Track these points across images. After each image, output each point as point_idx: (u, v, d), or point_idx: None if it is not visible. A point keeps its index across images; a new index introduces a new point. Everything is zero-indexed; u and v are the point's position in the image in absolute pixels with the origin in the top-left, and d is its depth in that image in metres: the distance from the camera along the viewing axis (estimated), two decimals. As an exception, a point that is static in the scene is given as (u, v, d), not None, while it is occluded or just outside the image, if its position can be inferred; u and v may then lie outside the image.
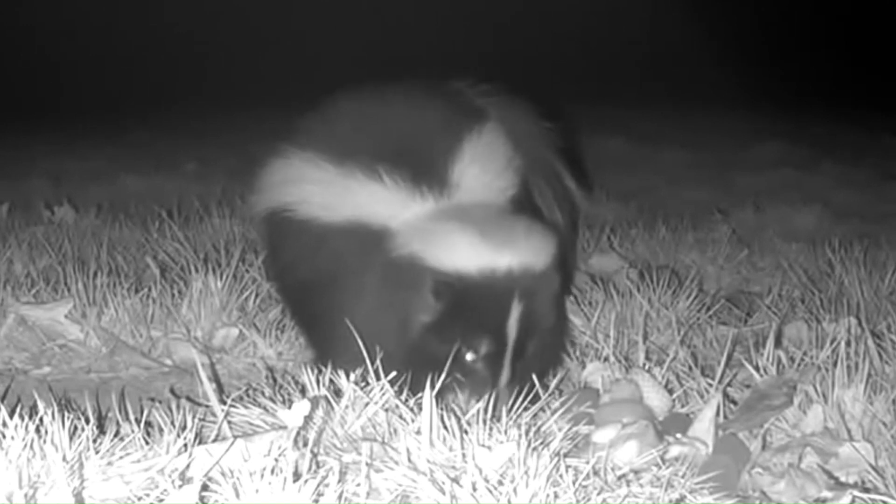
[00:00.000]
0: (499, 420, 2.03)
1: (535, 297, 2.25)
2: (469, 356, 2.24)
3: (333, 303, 2.44)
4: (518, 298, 2.21)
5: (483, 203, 2.39)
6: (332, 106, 2.66)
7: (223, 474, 1.74)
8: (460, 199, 2.38)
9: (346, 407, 2.01)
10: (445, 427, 1.87)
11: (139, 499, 1.73)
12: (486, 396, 2.10)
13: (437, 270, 2.23)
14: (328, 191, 2.46)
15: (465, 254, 2.22)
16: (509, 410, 2.13)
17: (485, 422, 1.92)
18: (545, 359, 2.46)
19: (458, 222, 2.28)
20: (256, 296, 3.10)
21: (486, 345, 2.23)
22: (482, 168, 2.46)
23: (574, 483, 1.77)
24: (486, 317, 2.23)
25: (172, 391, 2.53)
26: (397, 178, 2.38)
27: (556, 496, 1.72)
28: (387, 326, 2.28)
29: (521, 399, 2.16)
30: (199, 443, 1.87)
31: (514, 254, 2.23)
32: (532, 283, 2.24)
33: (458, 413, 1.96)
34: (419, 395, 1.96)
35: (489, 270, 2.21)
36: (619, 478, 1.91)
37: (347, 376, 2.06)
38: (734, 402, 2.34)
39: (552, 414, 2.13)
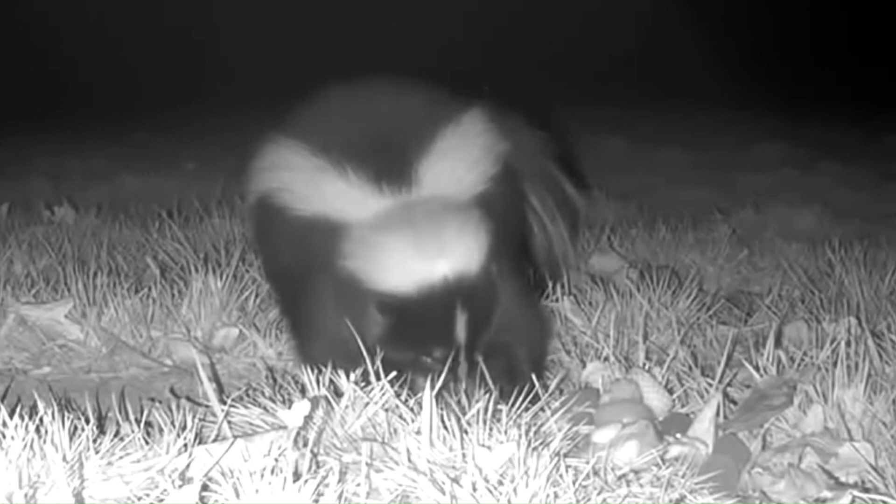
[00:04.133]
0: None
1: (477, 298, 2.25)
2: (426, 360, 2.27)
3: (308, 295, 2.47)
4: (460, 305, 2.22)
5: (432, 199, 2.35)
6: (322, 97, 2.67)
7: (223, 474, 1.74)
8: (415, 196, 2.35)
9: (346, 407, 2.01)
10: (445, 427, 1.87)
11: (139, 499, 1.73)
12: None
13: (376, 291, 2.25)
14: (304, 181, 2.48)
15: (399, 272, 2.23)
16: (511, 406, 2.14)
17: (485, 422, 1.92)
18: (526, 346, 2.47)
19: (392, 233, 2.26)
20: (256, 296, 3.10)
21: (439, 351, 2.26)
22: (451, 163, 2.44)
23: (574, 483, 1.77)
24: (431, 327, 2.25)
25: (172, 391, 2.52)
26: (362, 173, 2.38)
27: (556, 496, 1.72)
28: (347, 331, 2.28)
29: (521, 398, 2.16)
30: (199, 443, 1.87)
31: (447, 261, 2.22)
32: (470, 286, 2.23)
33: (458, 413, 1.96)
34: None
35: (426, 285, 2.21)
36: (619, 478, 1.91)
37: (347, 376, 2.07)
38: (734, 402, 2.34)
39: (552, 414, 2.12)
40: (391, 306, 2.24)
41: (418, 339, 2.27)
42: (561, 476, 1.76)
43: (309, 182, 2.46)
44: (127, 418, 2.00)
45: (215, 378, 2.60)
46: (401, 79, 2.67)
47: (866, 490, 1.93)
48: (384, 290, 2.24)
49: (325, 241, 2.39)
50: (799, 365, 2.43)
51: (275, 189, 2.54)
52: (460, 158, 2.47)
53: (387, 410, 2.01)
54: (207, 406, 2.09)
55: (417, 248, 2.23)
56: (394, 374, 2.08)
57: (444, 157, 2.44)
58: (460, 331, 2.24)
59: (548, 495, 1.70)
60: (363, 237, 2.30)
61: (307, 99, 2.67)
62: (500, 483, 1.71)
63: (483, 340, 2.29)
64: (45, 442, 1.74)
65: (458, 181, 2.44)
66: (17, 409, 1.81)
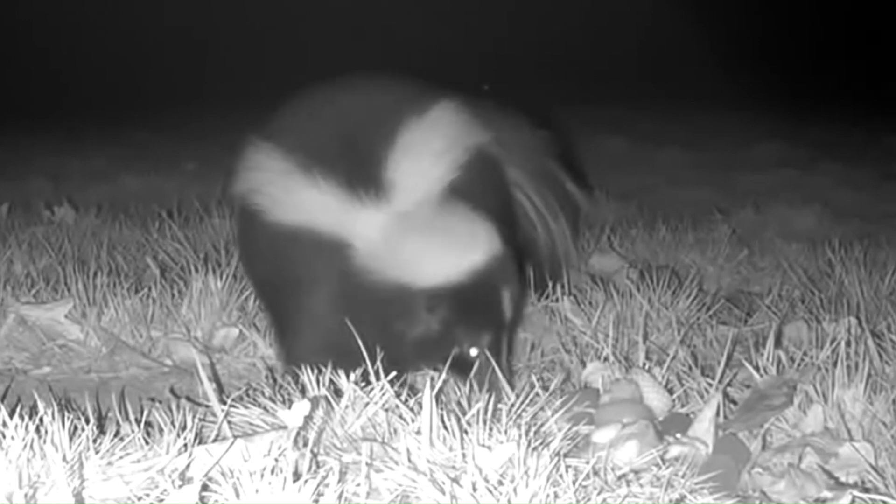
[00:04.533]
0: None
1: (512, 277, 2.36)
2: (473, 352, 2.32)
3: (292, 301, 2.49)
4: (503, 283, 2.32)
5: (424, 203, 2.40)
6: (298, 97, 2.68)
7: (223, 474, 1.74)
8: (401, 203, 2.38)
9: (346, 407, 2.01)
10: (445, 427, 1.87)
11: (139, 499, 1.73)
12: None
13: (427, 289, 2.28)
14: (278, 185, 2.49)
15: (447, 262, 2.29)
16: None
17: (485, 422, 1.92)
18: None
19: (421, 235, 2.32)
20: (254, 294, 3.10)
21: (489, 336, 2.32)
22: (416, 159, 2.45)
23: (574, 483, 1.77)
24: (485, 311, 2.32)
25: (172, 391, 2.52)
26: (336, 181, 2.39)
27: (556, 496, 1.72)
28: (368, 338, 2.29)
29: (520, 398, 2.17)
30: (199, 443, 1.87)
31: (482, 246, 2.32)
32: (504, 265, 2.34)
33: (458, 413, 1.96)
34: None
35: (472, 269, 2.29)
36: (619, 478, 1.91)
37: (347, 376, 2.07)
38: (734, 402, 2.34)
39: (552, 414, 2.13)
40: (444, 298, 2.28)
41: (471, 325, 2.32)
42: (561, 476, 1.76)
43: (284, 187, 2.47)
44: (127, 418, 2.00)
45: (215, 378, 2.60)
46: (378, 76, 2.67)
47: (866, 490, 1.93)
48: (435, 283, 2.28)
49: (311, 250, 2.41)
50: (799, 365, 2.43)
51: (251, 192, 2.56)
52: (424, 152, 2.48)
53: (387, 410, 2.01)
54: (207, 406, 2.09)
55: (453, 239, 2.31)
56: (394, 373, 2.09)
57: (408, 153, 2.45)
58: (507, 309, 2.33)
59: (548, 495, 1.70)
60: (389, 246, 2.33)
61: (285, 99, 2.68)
62: (500, 483, 1.71)
63: (515, 325, 2.40)
64: (45, 442, 1.74)
65: (425, 178, 2.45)
66: (17, 409, 1.81)
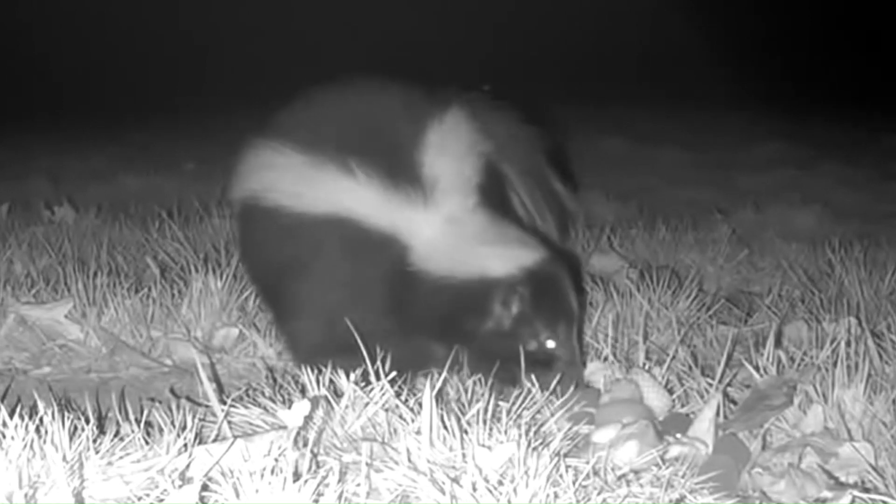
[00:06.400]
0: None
1: (569, 274, 2.44)
2: (550, 344, 2.36)
3: (306, 292, 2.48)
4: (567, 277, 2.41)
5: (467, 208, 2.44)
6: (302, 100, 2.68)
7: (223, 474, 1.74)
8: (448, 206, 2.41)
9: (346, 407, 2.01)
10: (445, 427, 1.87)
11: (139, 499, 1.73)
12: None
13: (504, 279, 2.33)
14: (297, 179, 2.48)
15: (523, 254, 2.36)
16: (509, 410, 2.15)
17: (485, 422, 1.92)
18: None
19: (482, 236, 2.38)
20: (256, 296, 3.10)
21: (564, 326, 2.38)
22: (450, 157, 2.48)
23: (574, 483, 1.77)
24: (557, 301, 2.39)
25: (172, 391, 2.53)
26: (371, 173, 2.40)
27: (556, 496, 1.72)
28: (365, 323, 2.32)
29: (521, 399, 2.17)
30: (199, 443, 1.88)
31: (541, 245, 2.42)
32: (562, 263, 2.43)
33: (458, 413, 1.96)
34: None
35: (541, 259, 2.36)
36: (619, 478, 1.91)
37: (347, 376, 2.07)
38: (734, 402, 2.34)
39: (552, 414, 2.13)
40: (520, 288, 2.32)
41: (547, 316, 2.36)
42: (561, 476, 1.76)
43: (303, 179, 2.47)
44: (127, 418, 2.00)
45: (215, 378, 2.60)
46: (379, 77, 2.68)
47: (866, 490, 1.93)
48: (513, 273, 2.33)
49: (349, 244, 2.41)
50: (799, 365, 2.44)
51: (260, 189, 2.55)
52: (455, 151, 2.50)
53: (387, 410, 2.01)
54: (207, 406, 2.10)
55: (513, 242, 2.40)
56: (394, 373, 2.09)
57: (442, 153, 2.46)
58: (574, 301, 2.40)
59: (548, 495, 1.70)
60: (444, 248, 2.36)
61: (286, 100, 2.68)
62: (500, 483, 1.71)
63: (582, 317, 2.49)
64: (45, 442, 1.74)
65: (461, 174, 2.47)
66: (17, 409, 1.81)
